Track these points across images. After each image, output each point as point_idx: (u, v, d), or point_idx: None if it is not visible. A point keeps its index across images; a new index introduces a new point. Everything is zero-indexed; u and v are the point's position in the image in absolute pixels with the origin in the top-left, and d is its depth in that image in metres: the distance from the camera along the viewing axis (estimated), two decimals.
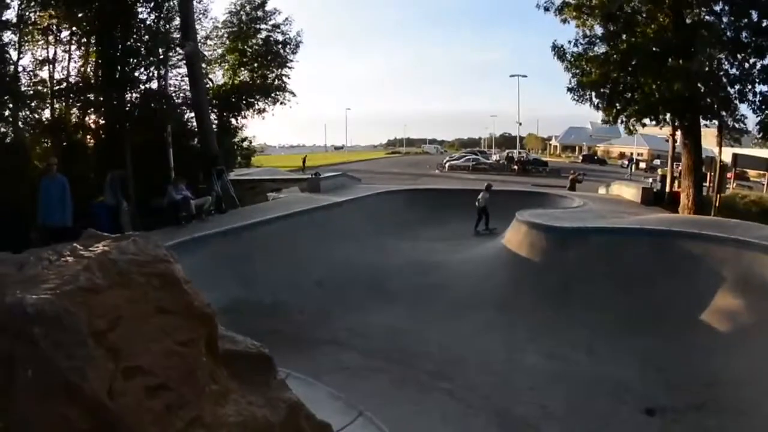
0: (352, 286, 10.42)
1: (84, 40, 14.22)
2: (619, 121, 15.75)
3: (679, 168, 16.12)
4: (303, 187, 17.26)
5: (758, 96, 13.76)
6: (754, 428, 5.72)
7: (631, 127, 15.97)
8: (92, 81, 14.05)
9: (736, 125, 14.92)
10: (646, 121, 15.56)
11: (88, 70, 14.40)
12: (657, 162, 52.20)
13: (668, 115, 15.10)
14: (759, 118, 14.27)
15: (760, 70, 13.64)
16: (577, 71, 15.34)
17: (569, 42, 15.52)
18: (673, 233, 9.66)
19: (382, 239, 13.33)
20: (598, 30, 15.34)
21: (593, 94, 15.37)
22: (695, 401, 6.26)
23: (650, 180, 23.19)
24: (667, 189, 17.03)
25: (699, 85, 13.64)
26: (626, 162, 53.11)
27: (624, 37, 14.54)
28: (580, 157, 66.89)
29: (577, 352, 7.60)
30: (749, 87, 13.80)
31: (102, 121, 14.39)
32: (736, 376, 6.50)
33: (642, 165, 53.00)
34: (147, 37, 14.16)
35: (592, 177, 30.60)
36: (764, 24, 13.05)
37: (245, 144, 20.71)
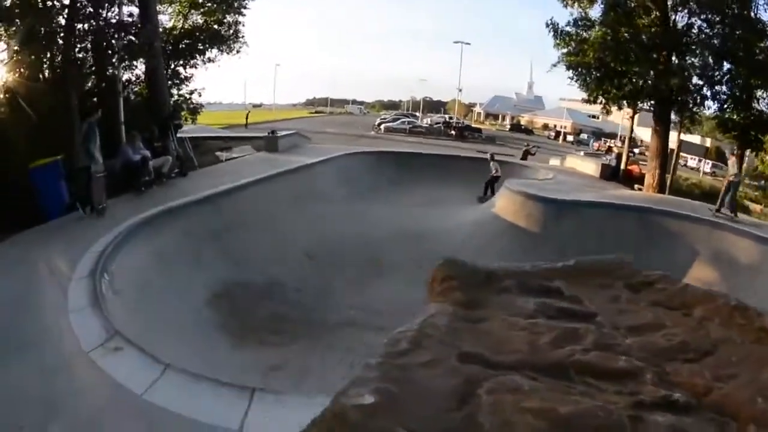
0: (344, 258, 10.23)
1: None
2: (599, 101, 17.80)
3: (633, 148, 18.41)
4: (258, 146, 16.50)
5: (723, 96, 16.55)
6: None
7: (608, 108, 18.27)
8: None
9: (698, 117, 17.94)
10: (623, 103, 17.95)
11: None
12: (583, 136, 56.87)
13: (648, 103, 17.38)
14: (717, 114, 17.28)
15: (725, 73, 16.34)
16: (571, 49, 17.27)
17: (568, 22, 17.48)
18: (655, 211, 10.98)
19: (362, 204, 13.15)
20: (595, 12, 17.32)
21: (583, 73, 17.43)
22: None
23: (606, 157, 25.15)
24: (622, 166, 18.75)
25: (692, 81, 16.25)
26: (553, 134, 57.27)
27: (622, 28, 16.40)
28: (508, 126, 70.48)
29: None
30: (717, 88, 16.56)
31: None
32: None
33: (569, 138, 57.11)
34: None
35: (518, 146, 32.25)
36: (737, 33, 15.49)
37: (194, 97, 18.43)
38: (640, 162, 21.49)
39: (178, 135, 12.76)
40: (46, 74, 11.40)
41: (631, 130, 20.42)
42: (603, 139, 54.42)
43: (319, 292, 9.16)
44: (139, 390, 4.04)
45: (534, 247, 10.31)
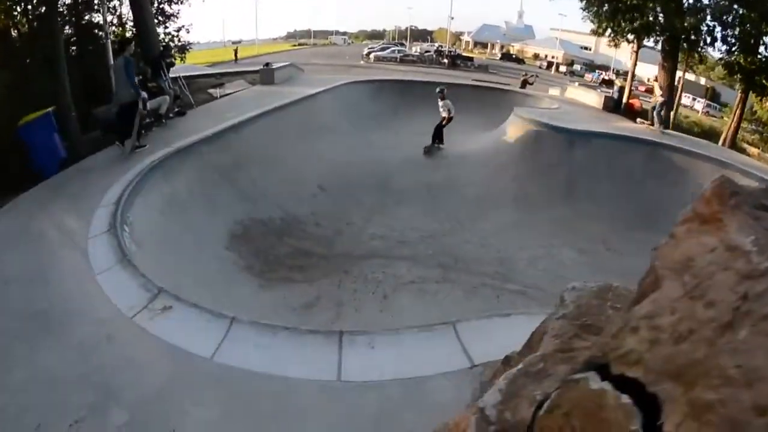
0: (358, 188, 9.88)
1: None
2: (607, 33, 18.08)
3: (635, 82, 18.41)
4: (252, 80, 15.51)
5: (732, 39, 16.74)
6: None
7: (617, 41, 18.53)
8: None
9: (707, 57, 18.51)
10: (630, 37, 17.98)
11: None
12: (576, 67, 55.45)
13: (656, 39, 17.41)
14: (723, 57, 17.61)
15: (735, 16, 16.35)
16: None
17: None
18: (664, 145, 10.77)
19: (367, 133, 12.60)
20: None
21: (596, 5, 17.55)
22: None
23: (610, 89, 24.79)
24: (624, 99, 18.19)
25: (708, 22, 16.40)
26: (545, 63, 55.66)
27: None
28: (498, 55, 68.19)
29: (597, 246, 8.32)
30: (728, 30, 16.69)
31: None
32: None
33: (562, 68, 55.63)
34: None
35: (513, 75, 31.35)
36: None
37: (181, 34, 16.66)
38: (641, 97, 21.08)
39: (171, 74, 11.79)
40: (20, 27, 10.30)
41: (635, 65, 19.79)
42: (597, 71, 53.07)
43: (339, 224, 8.96)
44: (206, 352, 3.66)
45: (545, 176, 10.24)
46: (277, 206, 8.95)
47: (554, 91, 20.89)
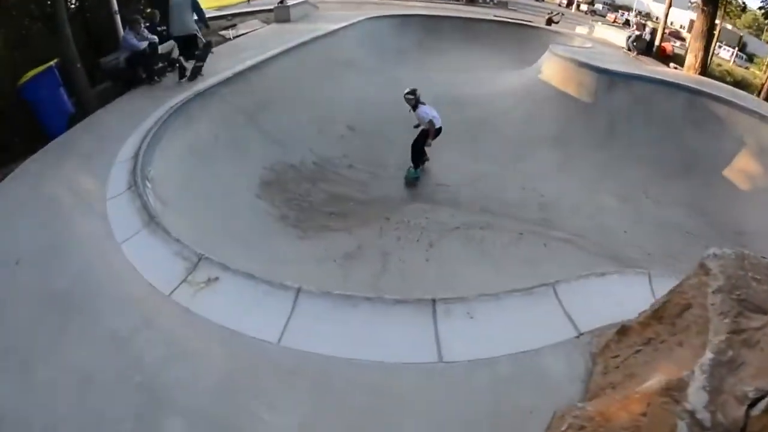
0: (389, 128, 9.05)
1: None
2: None
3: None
4: (266, 18, 14.24)
5: None
6: None
7: None
8: None
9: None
10: None
11: None
12: (598, 6, 52.01)
13: None
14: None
15: None
16: None
17: None
18: (705, 93, 9.90)
19: (392, 71, 11.56)
20: None
21: None
22: (733, 246, 7.07)
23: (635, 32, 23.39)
24: (656, 43, 17.09)
25: None
26: (564, 1, 52.31)
27: None
28: None
29: (638, 193, 8.01)
30: None
31: None
32: (756, 229, 7.17)
33: (583, 7, 52.45)
34: None
35: (534, 12, 29.48)
36: None
37: None
38: (671, 41, 19.71)
39: None
40: None
41: (669, 5, 18.36)
42: (620, 11, 49.90)
43: (373, 167, 8.35)
44: (271, 335, 2.97)
45: (584, 118, 9.57)
46: (307, 149, 8.21)
47: (582, 30, 19.57)
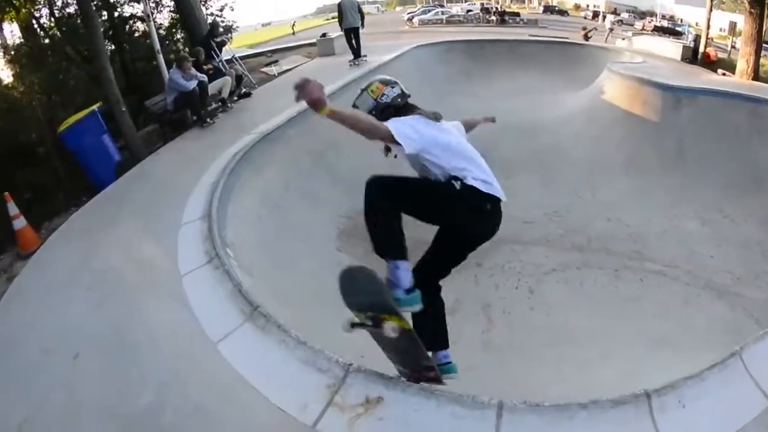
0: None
1: None
2: None
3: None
4: (308, 54, 13.82)
5: None
6: None
7: None
8: None
9: None
10: None
11: None
12: (625, 15, 50.98)
13: None
14: None
15: None
16: None
17: None
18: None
19: (448, 99, 10.86)
20: None
21: None
22: None
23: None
24: (701, 49, 16.32)
25: None
26: (590, 14, 51.49)
27: None
28: (541, 8, 63.89)
29: (715, 214, 7.62)
30: None
31: None
32: None
33: (610, 17, 51.78)
34: None
35: (564, 28, 28.90)
36: None
37: (224, 13, 14.61)
38: (714, 45, 18.71)
39: (224, 55, 10.41)
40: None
41: (710, 10, 17.22)
42: (648, 18, 48.94)
43: None
44: None
45: (653, 138, 9.00)
46: None
47: (621, 43, 18.88)
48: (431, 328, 2.74)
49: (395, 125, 2.50)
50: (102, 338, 3.35)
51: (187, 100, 7.73)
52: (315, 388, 2.66)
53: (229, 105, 8.62)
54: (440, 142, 2.64)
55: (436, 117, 2.79)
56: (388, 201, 2.55)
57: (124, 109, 7.50)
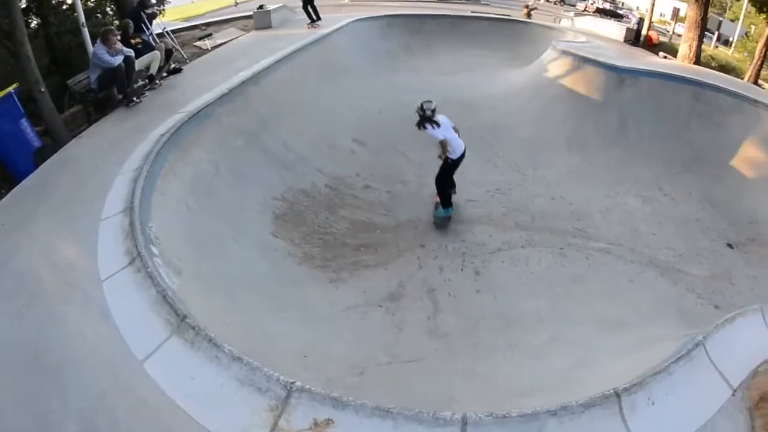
0: (398, 139, 8.12)
1: None
2: None
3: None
4: (244, 26, 12.89)
5: None
6: None
7: None
8: None
9: None
10: None
11: None
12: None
13: None
14: None
15: None
16: None
17: None
18: (710, 86, 9.58)
19: (387, 75, 10.61)
20: None
21: None
22: (748, 235, 6.83)
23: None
24: (644, 32, 16.73)
25: None
26: None
27: None
28: None
29: (655, 192, 7.79)
30: None
31: None
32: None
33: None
34: None
35: (506, 5, 28.94)
36: None
37: None
38: (656, 29, 19.20)
39: (155, 29, 9.39)
40: None
41: None
42: None
43: (391, 184, 7.36)
44: None
45: (596, 117, 9.06)
46: (316, 170, 7.09)
47: (565, 22, 18.90)
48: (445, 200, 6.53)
49: (440, 133, 6.08)
50: (17, 356, 2.90)
51: (112, 77, 6.94)
52: (256, 411, 2.35)
53: (157, 82, 7.86)
54: (452, 135, 6.23)
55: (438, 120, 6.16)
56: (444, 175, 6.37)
57: (43, 89, 6.62)
